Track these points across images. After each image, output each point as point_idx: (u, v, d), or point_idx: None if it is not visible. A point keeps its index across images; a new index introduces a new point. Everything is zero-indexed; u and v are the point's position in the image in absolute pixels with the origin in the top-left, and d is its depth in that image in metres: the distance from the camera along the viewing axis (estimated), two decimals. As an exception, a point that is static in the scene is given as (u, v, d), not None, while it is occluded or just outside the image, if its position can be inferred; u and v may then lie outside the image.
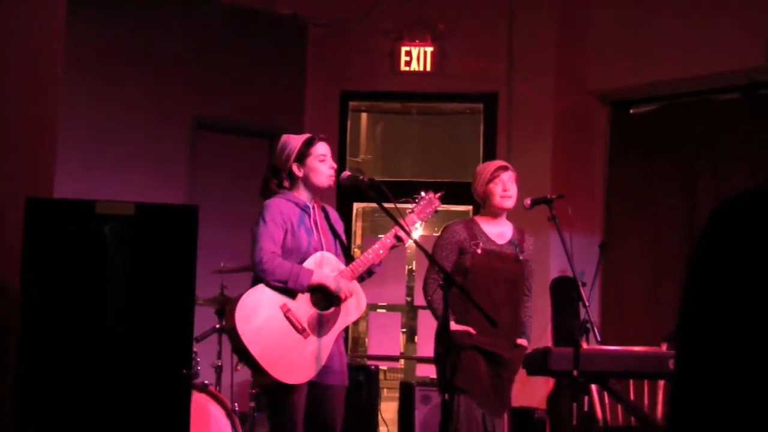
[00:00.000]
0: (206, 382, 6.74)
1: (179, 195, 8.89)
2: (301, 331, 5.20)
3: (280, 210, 5.34)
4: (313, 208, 5.47)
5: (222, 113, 9.40)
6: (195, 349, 6.43)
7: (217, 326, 7.02)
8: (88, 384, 4.83)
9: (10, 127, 5.36)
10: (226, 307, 5.75)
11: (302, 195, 5.46)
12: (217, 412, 6.61)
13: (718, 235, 1.84)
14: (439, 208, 5.76)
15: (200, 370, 6.79)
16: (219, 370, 7.09)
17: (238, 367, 6.07)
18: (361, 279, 5.50)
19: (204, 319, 6.55)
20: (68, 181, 7.00)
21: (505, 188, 6.19)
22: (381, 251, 5.43)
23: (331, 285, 5.28)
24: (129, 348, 4.91)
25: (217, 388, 6.96)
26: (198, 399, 6.42)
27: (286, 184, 5.49)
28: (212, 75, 9.30)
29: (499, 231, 6.29)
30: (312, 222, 5.42)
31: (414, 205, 5.67)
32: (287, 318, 5.19)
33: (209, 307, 7.05)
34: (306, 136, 5.51)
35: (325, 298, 5.31)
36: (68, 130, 7.04)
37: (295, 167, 5.43)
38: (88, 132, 8.45)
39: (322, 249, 5.38)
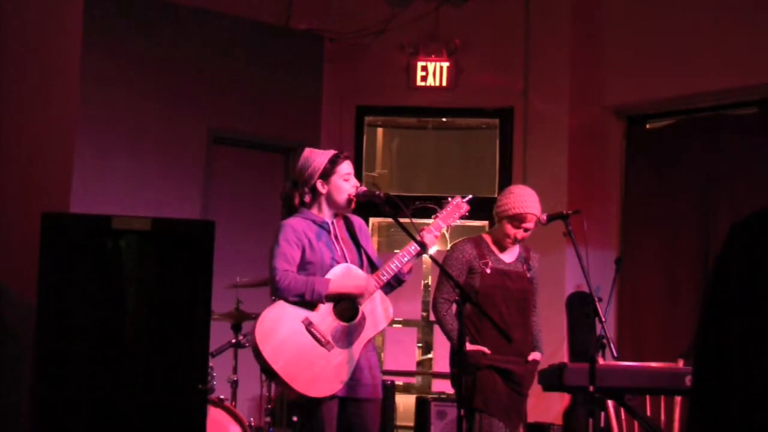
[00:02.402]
0: (222, 397, 6.73)
1: (195, 209, 8.91)
2: (324, 344, 5.15)
3: (294, 228, 5.29)
4: (332, 223, 5.42)
5: (238, 128, 9.41)
6: (211, 364, 6.44)
7: (233, 341, 7.03)
8: (104, 399, 4.83)
9: (26, 142, 5.37)
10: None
11: (322, 212, 5.40)
12: (233, 428, 6.61)
13: (736, 251, 1.84)
14: (466, 213, 5.67)
15: (216, 385, 6.79)
16: (235, 385, 7.09)
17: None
18: (391, 288, 5.45)
19: (220, 333, 6.54)
20: (84, 196, 7.02)
21: (517, 236, 6.15)
22: (405, 258, 5.33)
23: (354, 291, 5.25)
24: (145, 363, 4.90)
25: (233, 403, 6.96)
26: (214, 414, 6.42)
27: (307, 199, 5.42)
28: (228, 90, 9.32)
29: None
30: (333, 237, 5.38)
31: (441, 210, 5.61)
32: (309, 332, 5.14)
33: (225, 322, 7.06)
34: (331, 153, 5.43)
35: (349, 310, 5.26)
36: (84, 145, 7.06)
37: (319, 184, 5.36)
38: (104, 146, 8.47)
39: (345, 262, 5.33)
